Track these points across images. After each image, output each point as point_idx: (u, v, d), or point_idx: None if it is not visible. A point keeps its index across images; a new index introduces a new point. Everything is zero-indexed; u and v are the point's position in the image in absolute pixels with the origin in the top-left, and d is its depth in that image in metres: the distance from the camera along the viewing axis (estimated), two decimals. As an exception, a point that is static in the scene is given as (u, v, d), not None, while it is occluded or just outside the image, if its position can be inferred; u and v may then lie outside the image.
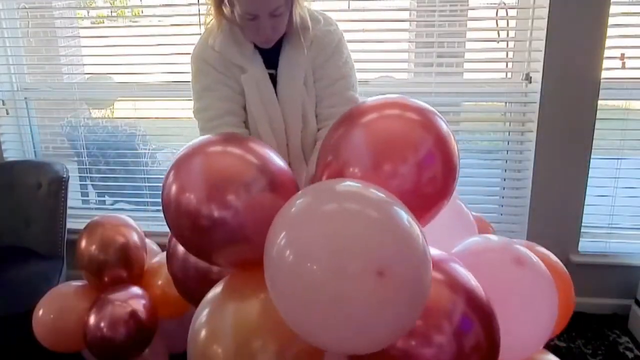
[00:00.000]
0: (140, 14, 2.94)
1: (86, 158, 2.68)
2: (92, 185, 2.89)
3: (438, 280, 0.95)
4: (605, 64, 2.11)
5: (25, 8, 2.55)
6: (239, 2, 1.31)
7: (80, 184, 2.83)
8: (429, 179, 1.02)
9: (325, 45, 1.46)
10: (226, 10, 1.39)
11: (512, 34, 2.37)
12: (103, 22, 2.95)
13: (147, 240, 2.04)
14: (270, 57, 1.46)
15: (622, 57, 2.26)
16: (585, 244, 2.34)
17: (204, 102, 1.47)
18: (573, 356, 2.11)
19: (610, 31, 2.06)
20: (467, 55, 2.57)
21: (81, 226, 2.01)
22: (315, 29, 1.43)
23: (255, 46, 1.45)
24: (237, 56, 1.44)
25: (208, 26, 1.49)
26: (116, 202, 2.93)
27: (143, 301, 1.81)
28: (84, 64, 2.93)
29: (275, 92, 1.47)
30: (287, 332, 0.92)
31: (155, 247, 2.08)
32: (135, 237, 1.95)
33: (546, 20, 2.09)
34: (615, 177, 2.32)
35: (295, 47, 1.44)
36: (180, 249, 1.46)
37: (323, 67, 1.47)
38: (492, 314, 0.97)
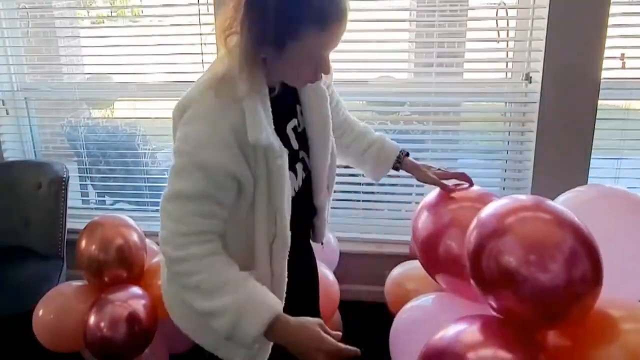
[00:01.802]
0: (140, 14, 2.95)
1: (86, 158, 2.68)
2: (92, 185, 2.89)
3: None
4: (605, 64, 2.10)
5: (25, 8, 2.55)
6: (318, 40, 0.98)
7: (80, 184, 2.83)
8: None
9: None
10: (262, 55, 1.00)
11: (512, 34, 2.37)
12: (103, 22, 2.95)
13: (147, 240, 2.04)
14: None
15: (622, 57, 2.26)
16: (585, 244, 2.34)
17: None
18: (573, 356, 2.10)
19: (610, 31, 2.06)
20: (467, 55, 2.57)
21: (81, 226, 2.02)
22: None
23: None
24: (268, 134, 1.05)
25: (215, 82, 1.03)
26: (116, 202, 2.93)
27: (143, 301, 1.82)
28: (84, 64, 2.93)
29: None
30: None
31: (155, 247, 2.08)
32: (135, 237, 1.95)
33: (546, 20, 2.09)
34: (615, 177, 2.31)
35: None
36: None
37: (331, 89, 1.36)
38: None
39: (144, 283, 1.93)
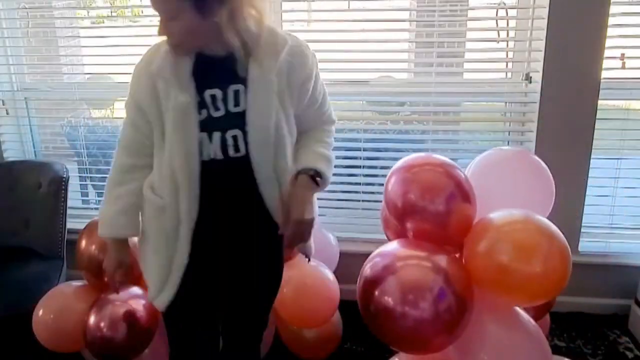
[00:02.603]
0: (140, 14, 2.95)
1: (86, 158, 2.68)
2: (92, 185, 2.89)
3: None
4: (605, 64, 2.10)
5: (25, 8, 2.55)
6: None
7: (80, 184, 2.83)
8: None
9: None
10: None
11: (512, 34, 2.37)
12: (103, 22, 2.95)
13: (147, 240, 2.04)
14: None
15: (622, 57, 2.26)
16: (585, 244, 2.34)
17: None
18: (573, 356, 2.10)
19: (610, 31, 2.06)
20: (467, 55, 2.57)
21: (81, 226, 2.02)
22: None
23: None
24: None
25: None
26: (116, 202, 2.93)
27: (143, 301, 1.81)
28: (84, 64, 2.93)
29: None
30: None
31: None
32: (135, 237, 1.95)
33: (546, 20, 2.09)
34: (615, 177, 2.31)
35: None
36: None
37: None
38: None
39: (144, 283, 1.92)
